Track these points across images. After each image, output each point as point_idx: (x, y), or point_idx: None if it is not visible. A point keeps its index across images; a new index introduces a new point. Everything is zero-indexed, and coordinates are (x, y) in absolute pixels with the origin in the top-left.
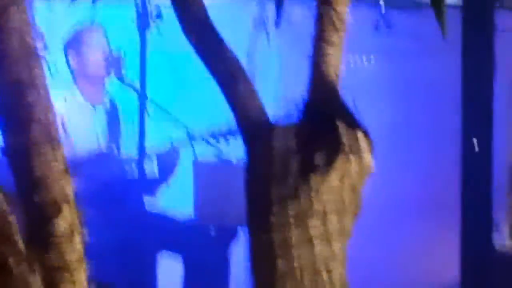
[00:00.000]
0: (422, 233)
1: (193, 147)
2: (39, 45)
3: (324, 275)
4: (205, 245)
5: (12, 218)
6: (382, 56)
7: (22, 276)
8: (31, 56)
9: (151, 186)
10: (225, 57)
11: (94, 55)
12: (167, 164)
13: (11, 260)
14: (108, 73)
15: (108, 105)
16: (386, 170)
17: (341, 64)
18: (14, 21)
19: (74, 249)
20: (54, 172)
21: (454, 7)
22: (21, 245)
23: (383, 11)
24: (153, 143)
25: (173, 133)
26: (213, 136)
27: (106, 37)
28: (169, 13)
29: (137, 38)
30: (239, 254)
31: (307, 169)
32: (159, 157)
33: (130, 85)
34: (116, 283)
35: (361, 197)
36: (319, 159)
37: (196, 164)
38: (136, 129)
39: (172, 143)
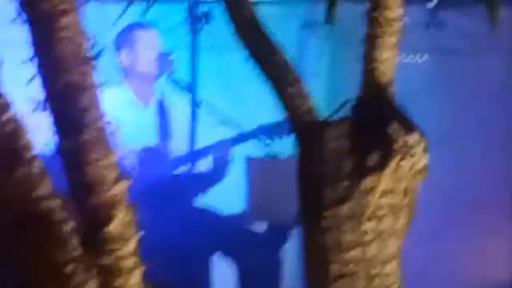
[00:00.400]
0: (476, 231)
1: (245, 145)
2: (92, 50)
3: (379, 278)
4: (257, 243)
5: (69, 226)
6: (434, 54)
7: (80, 283)
8: (84, 62)
9: (204, 184)
10: (276, 60)
11: (146, 54)
12: (221, 162)
13: (69, 267)
14: (160, 72)
15: (159, 103)
16: (439, 167)
17: (394, 67)
18: (68, 28)
19: (129, 253)
20: (108, 178)
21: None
22: (78, 251)
23: (434, 9)
24: (204, 142)
25: (225, 131)
26: (265, 134)
27: (158, 36)
28: (220, 13)
29: (188, 37)
30: (291, 252)
31: (361, 171)
32: (213, 155)
33: (181, 84)
34: (168, 281)
35: (415, 198)
36: (372, 160)
37: (249, 160)
38: (187, 127)
39: (225, 141)
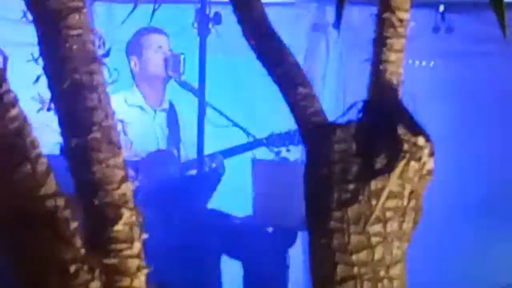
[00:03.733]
0: (482, 234)
1: (252, 151)
2: (100, 50)
3: (385, 281)
4: (263, 246)
5: (74, 224)
6: (442, 59)
7: (83, 282)
8: (92, 61)
9: (208, 187)
10: (285, 61)
11: (155, 58)
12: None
13: (73, 267)
14: (169, 76)
15: (168, 108)
16: (446, 172)
17: (402, 70)
18: (75, 27)
19: (134, 255)
20: (115, 178)
21: None
22: (83, 251)
23: (442, 13)
24: (212, 145)
25: (232, 136)
26: (272, 140)
27: (167, 39)
28: (229, 16)
29: (196, 41)
30: (297, 255)
31: (367, 174)
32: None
33: (190, 88)
34: (174, 283)
35: (421, 202)
36: (379, 163)
37: (254, 162)
38: (195, 132)
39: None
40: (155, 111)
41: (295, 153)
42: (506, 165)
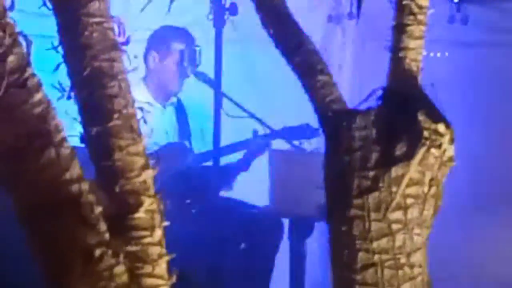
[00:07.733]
0: (488, 225)
1: (269, 143)
2: (120, 38)
3: (405, 268)
4: (280, 236)
5: (98, 209)
6: (457, 50)
7: (108, 267)
8: (112, 48)
9: (227, 178)
10: (304, 49)
11: (175, 63)
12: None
13: (97, 251)
14: (185, 71)
15: (176, 103)
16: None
17: (421, 57)
18: (95, 14)
19: (155, 242)
20: (135, 165)
21: None
22: (107, 236)
23: (457, 3)
24: (228, 137)
25: (249, 128)
26: (286, 134)
27: (188, 38)
28: (244, 8)
29: (212, 32)
30: (314, 246)
31: (388, 161)
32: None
33: (206, 80)
34: (192, 272)
35: (442, 189)
36: (399, 150)
37: (271, 152)
38: (211, 124)
39: (250, 140)
40: (164, 106)
41: (313, 143)
42: None
